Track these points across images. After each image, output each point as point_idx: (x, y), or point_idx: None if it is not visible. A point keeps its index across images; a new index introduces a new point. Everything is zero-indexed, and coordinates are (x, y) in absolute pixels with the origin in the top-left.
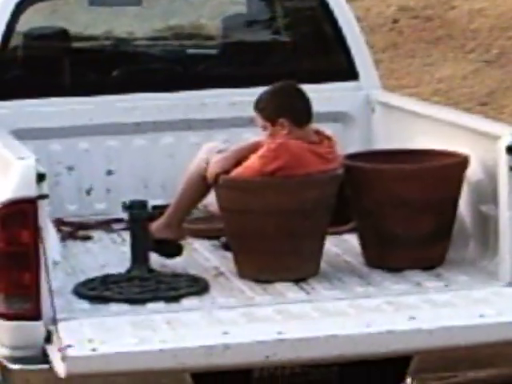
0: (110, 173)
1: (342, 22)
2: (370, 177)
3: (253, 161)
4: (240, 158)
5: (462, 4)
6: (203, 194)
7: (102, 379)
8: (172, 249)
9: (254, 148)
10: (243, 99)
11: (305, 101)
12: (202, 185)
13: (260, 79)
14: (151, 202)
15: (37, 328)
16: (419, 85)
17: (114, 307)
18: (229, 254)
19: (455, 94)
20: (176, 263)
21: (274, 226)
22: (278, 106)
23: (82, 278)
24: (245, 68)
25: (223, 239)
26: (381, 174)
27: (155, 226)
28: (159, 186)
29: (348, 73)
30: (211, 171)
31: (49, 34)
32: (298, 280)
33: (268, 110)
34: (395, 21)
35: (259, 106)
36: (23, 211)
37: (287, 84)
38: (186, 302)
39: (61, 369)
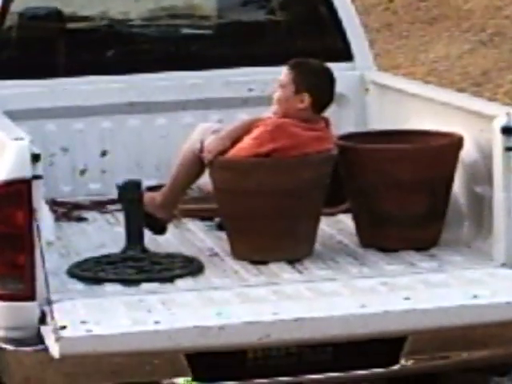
0: (104, 153)
1: (337, 3)
2: (364, 157)
3: (247, 142)
4: (235, 139)
5: None
6: (198, 174)
7: (96, 360)
8: (158, 227)
9: (249, 127)
10: (237, 79)
11: (332, 94)
12: (196, 165)
13: (255, 59)
14: (145, 183)
15: (31, 309)
16: (414, 65)
17: (109, 288)
18: (223, 235)
19: (450, 74)
20: (170, 244)
21: (268, 206)
22: (316, 84)
23: (77, 259)
24: (239, 48)
25: (217, 220)
26: (375, 155)
27: (149, 199)
28: (153, 167)
29: (342, 53)
30: (207, 152)
31: (43, 15)
32: (293, 261)
33: (304, 78)
34: (390, 0)
35: (298, 67)
36: (18, 192)
37: (330, 71)
38: (181, 283)
39: (55, 350)
